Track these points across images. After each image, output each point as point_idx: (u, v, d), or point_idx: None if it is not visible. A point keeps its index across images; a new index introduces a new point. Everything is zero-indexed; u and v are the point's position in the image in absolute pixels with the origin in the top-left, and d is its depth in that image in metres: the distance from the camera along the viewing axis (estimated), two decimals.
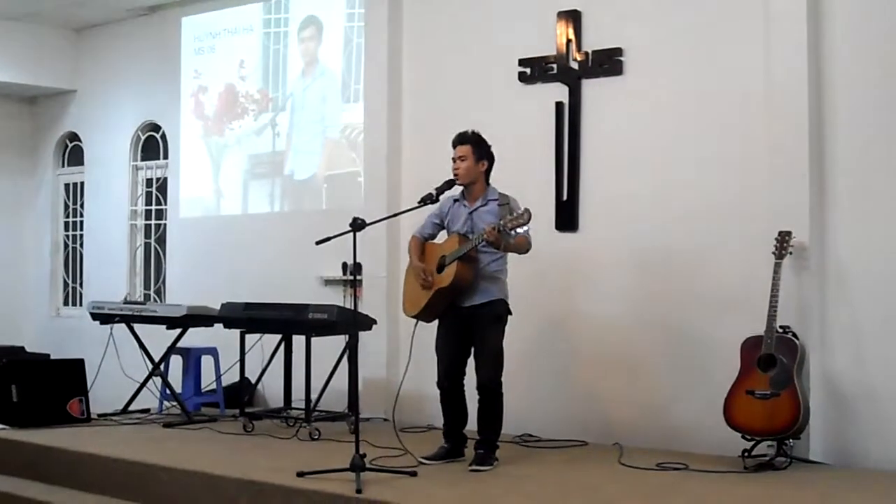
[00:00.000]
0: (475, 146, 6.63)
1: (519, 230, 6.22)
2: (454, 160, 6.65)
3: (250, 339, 8.36)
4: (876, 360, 6.61)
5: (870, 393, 6.60)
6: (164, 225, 11.54)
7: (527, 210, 6.19)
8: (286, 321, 8.15)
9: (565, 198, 7.94)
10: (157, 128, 11.69)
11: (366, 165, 9.24)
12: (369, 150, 9.17)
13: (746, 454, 6.45)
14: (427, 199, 6.67)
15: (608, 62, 7.79)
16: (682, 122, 7.47)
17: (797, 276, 6.72)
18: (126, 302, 9.34)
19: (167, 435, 8.04)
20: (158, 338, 8.87)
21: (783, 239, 6.58)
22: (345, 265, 9.17)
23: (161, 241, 11.63)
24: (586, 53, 7.90)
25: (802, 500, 5.69)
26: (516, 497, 5.69)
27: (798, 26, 6.82)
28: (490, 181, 6.71)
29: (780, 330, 6.48)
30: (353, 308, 7.59)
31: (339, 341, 8.10)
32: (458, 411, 6.72)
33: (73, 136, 12.69)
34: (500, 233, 6.19)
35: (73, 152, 12.79)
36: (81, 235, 12.60)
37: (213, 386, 9.32)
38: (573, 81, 7.97)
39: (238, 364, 8.43)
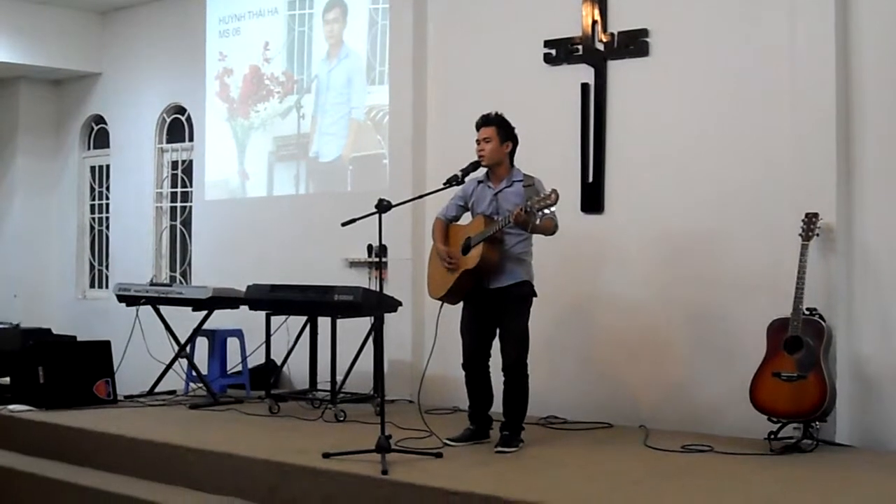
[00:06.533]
0: (499, 128, 6.60)
1: (546, 211, 6.17)
2: (478, 142, 6.62)
3: (276, 320, 8.40)
4: None
5: None
6: (190, 207, 11.57)
7: (554, 191, 6.12)
8: (312, 303, 8.17)
9: (591, 180, 7.91)
10: (182, 110, 11.72)
11: (391, 147, 9.23)
12: (394, 131, 9.16)
13: (772, 436, 6.43)
14: (453, 181, 6.64)
15: (634, 43, 7.75)
16: (708, 103, 7.42)
17: (824, 258, 6.68)
18: (152, 284, 9.35)
19: (193, 416, 8.07)
20: (184, 320, 8.90)
21: (810, 221, 6.54)
22: (370, 247, 9.17)
23: (186, 223, 11.67)
24: (612, 35, 7.86)
25: (829, 482, 5.67)
26: (541, 479, 5.69)
27: (825, 6, 6.76)
28: (515, 163, 6.70)
29: (807, 312, 6.44)
30: (378, 290, 7.59)
31: (365, 323, 8.12)
32: (483, 393, 6.72)
33: (99, 119, 12.74)
34: (527, 214, 6.17)
35: (98, 135, 12.84)
36: (107, 218, 12.66)
37: (239, 368, 9.33)
38: (599, 63, 7.93)
39: (264, 346, 8.47)
